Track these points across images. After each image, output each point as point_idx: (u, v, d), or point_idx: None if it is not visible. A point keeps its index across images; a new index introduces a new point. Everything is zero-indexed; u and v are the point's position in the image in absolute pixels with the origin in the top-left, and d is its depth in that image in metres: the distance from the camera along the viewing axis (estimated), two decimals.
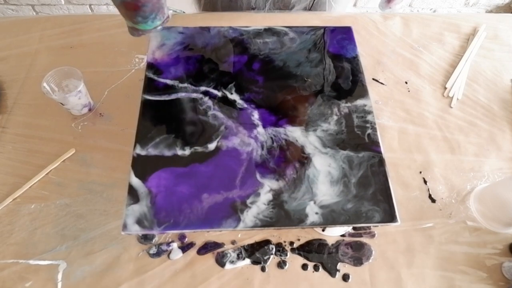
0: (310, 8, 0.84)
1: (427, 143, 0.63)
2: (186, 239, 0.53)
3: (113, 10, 1.48)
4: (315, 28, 0.62)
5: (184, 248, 0.52)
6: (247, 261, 0.52)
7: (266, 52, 0.59)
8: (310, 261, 0.52)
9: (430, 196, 0.58)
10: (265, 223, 0.44)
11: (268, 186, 0.46)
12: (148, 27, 0.53)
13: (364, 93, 0.55)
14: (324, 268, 0.51)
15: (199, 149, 0.49)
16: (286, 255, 0.52)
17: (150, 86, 0.54)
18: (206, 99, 0.53)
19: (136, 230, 0.43)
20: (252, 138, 0.50)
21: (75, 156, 0.59)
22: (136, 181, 0.46)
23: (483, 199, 0.56)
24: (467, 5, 1.57)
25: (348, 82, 0.56)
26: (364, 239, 0.54)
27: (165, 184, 0.46)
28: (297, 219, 0.44)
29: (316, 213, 0.44)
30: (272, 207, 0.45)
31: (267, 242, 0.53)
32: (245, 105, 0.53)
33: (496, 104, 0.68)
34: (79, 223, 0.53)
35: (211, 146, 0.49)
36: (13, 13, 1.47)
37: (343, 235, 0.54)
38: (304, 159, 0.48)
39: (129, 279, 0.50)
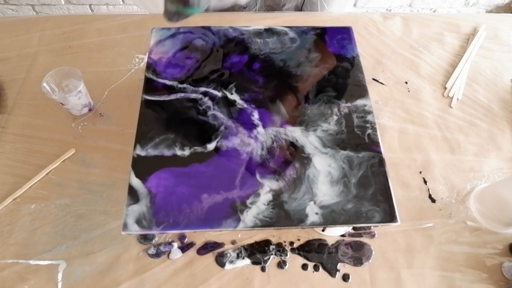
0: (301, 7, 0.84)
1: (427, 143, 0.63)
2: (186, 239, 0.53)
3: (113, 10, 1.49)
4: (315, 28, 0.62)
5: (184, 248, 0.52)
6: (247, 261, 0.52)
7: (267, 52, 0.58)
8: (310, 261, 0.52)
9: (430, 196, 0.58)
10: (265, 223, 0.43)
11: (268, 186, 0.46)
12: (198, 10, 0.45)
13: (364, 93, 0.54)
14: (324, 268, 0.51)
15: (198, 149, 0.49)
16: (286, 255, 0.52)
17: (149, 86, 0.54)
18: (206, 99, 0.53)
19: (136, 230, 0.42)
20: (252, 138, 0.50)
21: (75, 156, 0.59)
22: (136, 181, 0.46)
23: (483, 199, 0.56)
24: (467, 5, 1.57)
25: (348, 82, 0.56)
26: (364, 239, 0.54)
27: (165, 184, 0.46)
28: (297, 219, 0.44)
29: (316, 213, 0.44)
30: (272, 207, 0.44)
31: (267, 242, 0.53)
32: (245, 105, 0.53)
33: (496, 104, 0.68)
34: (79, 223, 0.53)
35: (211, 146, 0.49)
36: (13, 13, 1.47)
37: (343, 235, 0.54)
38: (304, 159, 0.48)
39: (129, 279, 0.50)
